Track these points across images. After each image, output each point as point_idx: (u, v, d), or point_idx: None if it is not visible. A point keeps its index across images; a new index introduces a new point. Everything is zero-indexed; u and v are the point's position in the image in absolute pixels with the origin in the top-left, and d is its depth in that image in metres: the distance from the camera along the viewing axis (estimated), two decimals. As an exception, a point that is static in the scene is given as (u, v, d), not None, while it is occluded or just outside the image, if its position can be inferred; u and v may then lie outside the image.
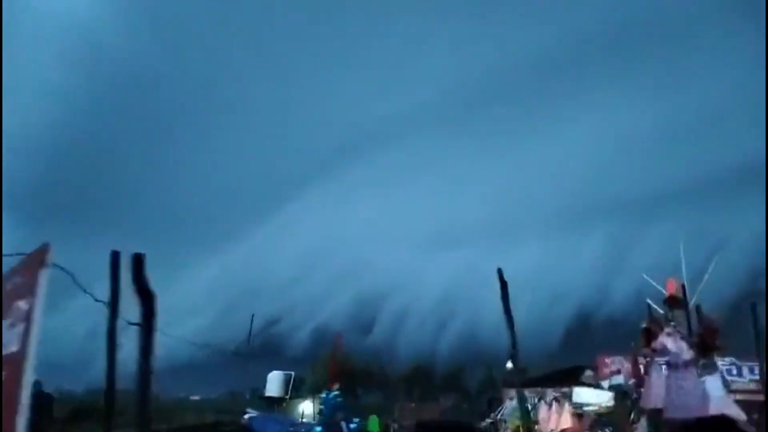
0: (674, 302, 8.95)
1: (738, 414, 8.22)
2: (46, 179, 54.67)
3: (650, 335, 8.67)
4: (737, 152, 56.57)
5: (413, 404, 28.69)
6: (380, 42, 66.74)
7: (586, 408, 15.10)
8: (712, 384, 8.20)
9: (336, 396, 13.79)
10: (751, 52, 59.44)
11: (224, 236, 64.01)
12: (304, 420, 18.14)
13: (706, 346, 8.67)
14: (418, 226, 66.05)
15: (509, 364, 12.43)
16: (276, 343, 55.81)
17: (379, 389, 39.32)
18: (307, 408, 19.12)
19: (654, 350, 8.66)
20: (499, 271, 9.30)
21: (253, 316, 13.69)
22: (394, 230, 64.49)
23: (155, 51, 61.88)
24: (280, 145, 70.14)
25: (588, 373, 22.61)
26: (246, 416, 16.62)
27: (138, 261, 4.41)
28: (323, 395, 14.21)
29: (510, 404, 14.14)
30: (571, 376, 19.79)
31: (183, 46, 62.93)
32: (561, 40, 62.91)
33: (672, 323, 8.89)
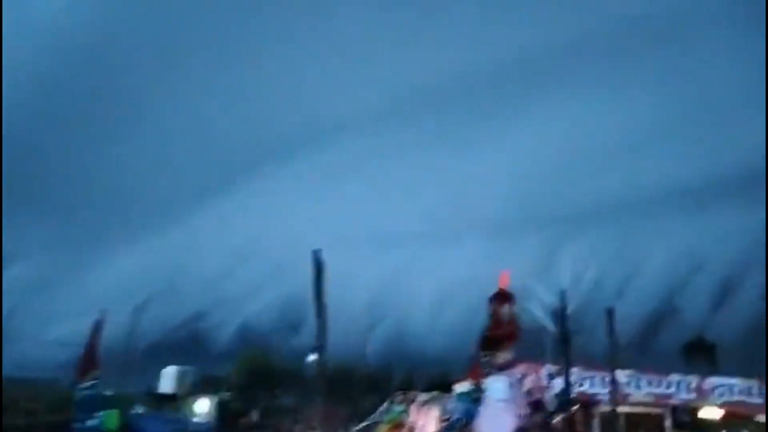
0: (503, 298, 8.90)
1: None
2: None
3: (502, 340, 8.54)
4: (673, 175, 59.02)
5: (324, 406, 28.28)
6: (332, 39, 66.24)
7: None
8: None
9: (87, 388, 12.32)
10: (699, 66, 61.98)
11: (149, 226, 61.84)
12: (196, 419, 17.56)
13: (493, 340, 8.67)
14: (353, 227, 65.68)
15: (311, 357, 11.95)
16: (200, 338, 54.41)
17: (298, 390, 38.71)
18: (201, 406, 18.51)
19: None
20: (314, 254, 9.00)
21: (138, 307, 12.88)
22: (328, 230, 63.85)
23: (100, 27, 59.42)
24: (216, 137, 68.54)
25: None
26: (131, 413, 15.92)
27: None
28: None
29: (386, 406, 14.07)
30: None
31: (127, 25, 60.70)
32: (514, 47, 63.89)
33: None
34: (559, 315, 14.44)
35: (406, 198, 66.75)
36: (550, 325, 15.80)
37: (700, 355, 34.10)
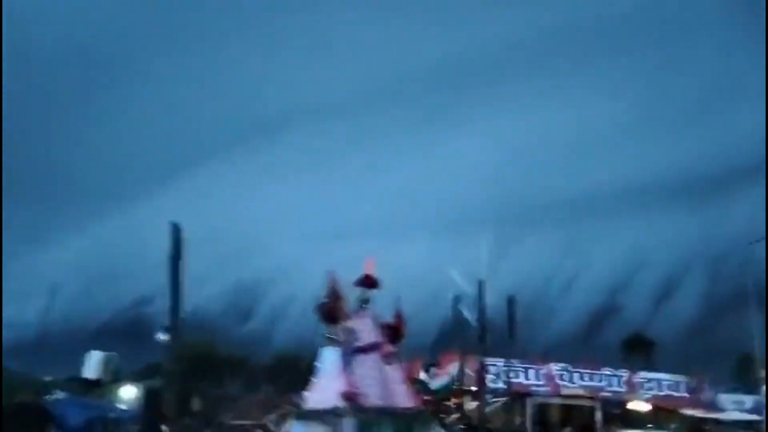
0: (369, 283, 9.00)
1: (410, 402, 8.38)
2: None
3: (333, 312, 8.47)
4: (618, 175, 60.44)
5: (260, 396, 28.13)
6: (297, 32, 65.73)
7: None
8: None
9: None
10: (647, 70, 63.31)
11: (98, 211, 60.36)
12: (120, 406, 17.14)
13: (397, 334, 8.89)
14: (310, 217, 65.45)
15: (161, 336, 11.42)
16: (146, 323, 53.36)
17: (243, 379, 38.36)
18: (126, 393, 18.09)
19: (341, 330, 8.49)
20: (173, 227, 8.79)
21: (54, 290, 12.41)
22: (284, 218, 63.51)
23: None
24: (178, 121, 67.38)
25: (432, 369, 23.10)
26: (48, 397, 15.47)
27: None
28: None
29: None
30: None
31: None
32: (472, 45, 64.26)
33: (364, 305, 8.97)
34: (470, 306, 14.65)
35: (361, 193, 66.79)
36: (469, 317, 15.93)
37: (639, 350, 35.07)
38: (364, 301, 8.89)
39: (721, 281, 51.00)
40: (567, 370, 23.60)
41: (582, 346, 42.78)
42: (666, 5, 60.20)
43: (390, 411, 8.05)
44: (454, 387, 18.86)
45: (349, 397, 7.62)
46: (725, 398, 24.61)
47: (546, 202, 59.17)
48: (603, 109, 62.45)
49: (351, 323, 8.51)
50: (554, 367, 23.50)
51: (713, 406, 24.32)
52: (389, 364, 8.60)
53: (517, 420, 22.39)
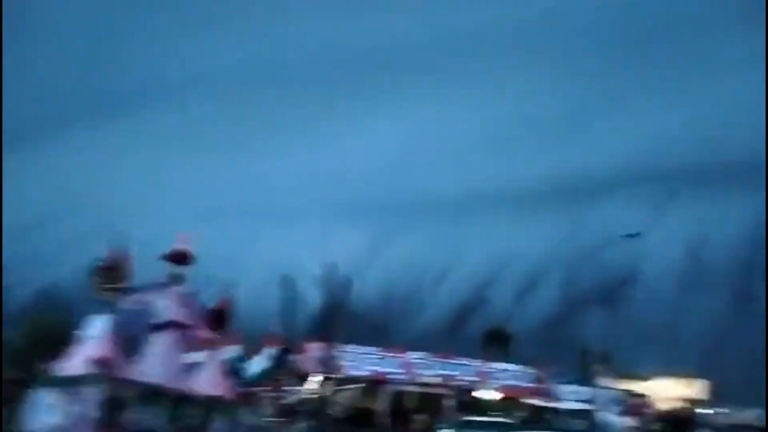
0: (180, 259, 8.83)
1: (214, 389, 8.27)
2: None
3: (109, 276, 8.03)
4: (493, 179, 63.58)
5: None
6: (192, 6, 62.71)
7: None
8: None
9: None
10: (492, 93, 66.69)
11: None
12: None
13: (221, 319, 8.84)
14: (185, 197, 63.02)
15: None
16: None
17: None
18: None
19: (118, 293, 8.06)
20: None
21: None
22: (157, 198, 60.71)
23: None
24: (49, 86, 62.23)
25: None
26: None
27: None
28: None
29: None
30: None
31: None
32: (384, 37, 64.68)
33: (175, 283, 8.79)
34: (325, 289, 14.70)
35: (246, 172, 65.36)
36: (314, 300, 15.97)
37: (498, 343, 37.09)
38: (175, 278, 8.56)
39: (577, 281, 55.34)
40: (424, 359, 24.41)
41: (448, 337, 44.71)
42: (521, 22, 63.96)
43: (172, 394, 7.78)
44: (274, 371, 18.67)
45: (102, 363, 7.22)
46: (563, 389, 26.60)
47: (425, 199, 61.19)
48: (486, 115, 65.55)
49: (148, 297, 8.17)
50: (412, 356, 24.24)
51: (553, 396, 26.20)
52: (194, 347, 8.34)
53: (373, 406, 22.86)
